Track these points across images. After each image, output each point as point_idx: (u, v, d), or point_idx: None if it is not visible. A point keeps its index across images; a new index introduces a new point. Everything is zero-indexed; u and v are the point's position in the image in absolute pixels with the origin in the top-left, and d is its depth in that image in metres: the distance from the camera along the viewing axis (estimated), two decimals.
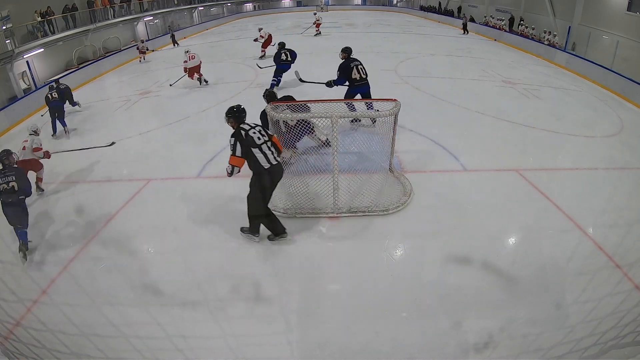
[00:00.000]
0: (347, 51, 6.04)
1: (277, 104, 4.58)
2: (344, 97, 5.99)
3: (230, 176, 3.62)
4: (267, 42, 12.58)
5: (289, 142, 4.79)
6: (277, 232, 3.94)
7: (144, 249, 4.16)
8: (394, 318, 3.14)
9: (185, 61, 9.46)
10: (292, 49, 9.06)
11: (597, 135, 6.62)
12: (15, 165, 4.37)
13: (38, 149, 5.32)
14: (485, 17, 20.35)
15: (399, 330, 3.04)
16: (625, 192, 4.87)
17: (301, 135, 4.74)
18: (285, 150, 5.00)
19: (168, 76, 11.24)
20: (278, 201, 4.57)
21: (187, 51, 9.72)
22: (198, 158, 5.85)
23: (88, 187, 5.41)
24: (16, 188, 3.99)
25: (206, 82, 9.87)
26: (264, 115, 4.70)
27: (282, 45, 9.13)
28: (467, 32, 17.95)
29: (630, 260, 3.62)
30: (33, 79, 13.24)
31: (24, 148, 5.28)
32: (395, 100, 4.49)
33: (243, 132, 3.53)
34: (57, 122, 7.56)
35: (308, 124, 4.62)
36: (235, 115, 3.66)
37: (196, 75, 9.70)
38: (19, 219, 4.02)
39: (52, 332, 2.97)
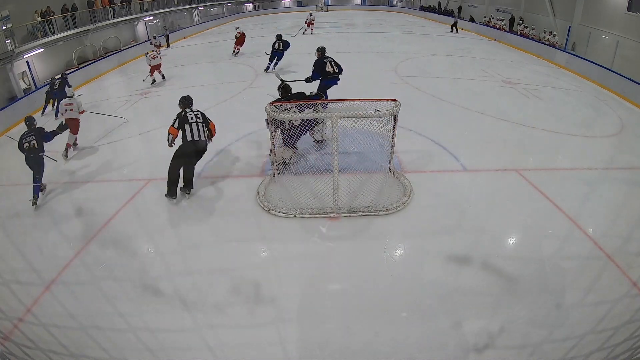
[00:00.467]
0: (321, 50, 6.66)
1: (276, 104, 4.59)
2: (317, 89, 6.48)
3: (168, 143, 4.66)
4: (240, 40, 13.63)
5: (291, 140, 4.82)
6: (170, 193, 4.74)
7: (144, 249, 4.16)
8: (394, 318, 3.14)
9: (151, 59, 10.52)
10: (288, 41, 10.78)
11: (597, 135, 6.62)
12: (38, 126, 5.38)
13: (83, 111, 6.80)
14: (485, 17, 20.35)
15: (399, 330, 3.04)
16: (625, 192, 4.87)
17: (302, 133, 4.78)
18: (286, 150, 5.01)
19: (168, 76, 11.24)
20: (278, 201, 4.57)
21: (147, 53, 10.86)
22: None
23: (88, 187, 5.41)
24: (36, 146, 5.10)
25: (163, 78, 10.94)
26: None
27: (278, 36, 10.79)
28: (457, 30, 18.24)
29: (629, 260, 3.62)
30: (33, 79, 13.22)
31: (71, 110, 6.57)
32: (395, 100, 4.49)
33: (183, 113, 4.79)
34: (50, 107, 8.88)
35: (311, 122, 4.69)
36: (184, 102, 4.96)
37: (157, 73, 10.74)
38: (37, 169, 5.13)
39: (50, 334, 2.97)
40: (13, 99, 10.85)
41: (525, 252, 3.89)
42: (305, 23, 18.09)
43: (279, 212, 4.40)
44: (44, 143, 5.22)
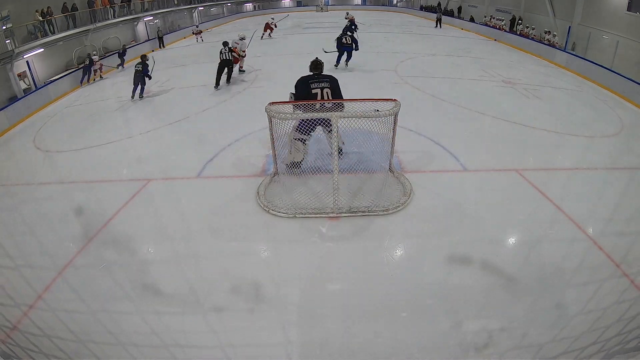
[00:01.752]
0: (343, 29, 10.84)
1: (275, 103, 4.59)
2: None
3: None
4: (267, 27, 17.45)
5: (305, 130, 4.58)
6: (215, 85, 9.43)
7: (144, 249, 4.16)
8: (394, 318, 3.14)
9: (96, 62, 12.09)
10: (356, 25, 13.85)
11: (597, 135, 6.62)
12: (146, 62, 9.43)
13: (244, 51, 10.56)
14: (485, 16, 20.36)
15: (399, 330, 3.04)
16: (625, 192, 4.87)
17: (306, 128, 4.57)
18: (296, 150, 4.89)
19: (168, 76, 11.25)
20: (278, 201, 4.57)
21: (89, 54, 12.49)
22: (198, 158, 5.85)
23: (88, 187, 5.41)
24: (140, 69, 9.13)
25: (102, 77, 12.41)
26: (299, 84, 4.86)
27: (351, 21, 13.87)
28: (440, 25, 19.68)
29: (630, 260, 3.62)
30: (33, 79, 13.21)
31: (235, 49, 9.97)
32: (395, 100, 4.49)
33: (222, 49, 9.33)
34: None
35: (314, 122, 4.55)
36: (223, 43, 9.45)
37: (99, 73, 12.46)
38: (139, 82, 9.22)
39: (48, 337, 2.96)
40: (13, 99, 10.83)
41: (525, 252, 3.89)
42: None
43: (279, 212, 4.40)
44: (145, 73, 9.25)
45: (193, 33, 18.79)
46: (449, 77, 9.99)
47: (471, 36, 17.62)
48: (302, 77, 4.85)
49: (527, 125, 6.82)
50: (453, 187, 4.94)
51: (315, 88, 4.71)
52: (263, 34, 17.07)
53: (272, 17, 18.87)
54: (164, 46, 17.45)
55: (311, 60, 5.07)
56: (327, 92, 4.70)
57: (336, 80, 4.92)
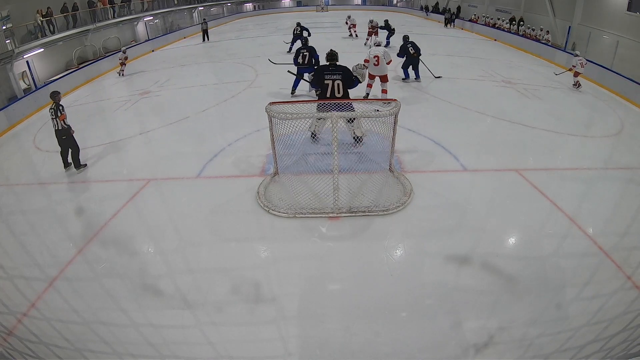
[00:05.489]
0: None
1: (275, 103, 4.59)
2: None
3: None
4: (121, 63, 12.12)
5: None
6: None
7: (144, 249, 4.16)
8: (394, 318, 3.14)
9: None
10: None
11: (597, 135, 6.62)
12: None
13: (390, 61, 7.66)
14: (484, 16, 20.37)
15: (399, 330, 3.04)
16: (625, 192, 4.87)
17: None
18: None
19: (168, 76, 11.25)
20: (278, 201, 4.57)
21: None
22: (198, 158, 5.85)
23: (88, 187, 5.41)
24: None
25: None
26: (316, 73, 5.41)
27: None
28: (453, 25, 20.05)
29: (630, 260, 3.62)
30: (33, 79, 13.21)
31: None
32: (395, 100, 4.49)
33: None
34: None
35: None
36: (51, 95, 5.67)
37: None
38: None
39: (47, 340, 2.96)
40: (13, 99, 10.83)
41: (525, 251, 3.90)
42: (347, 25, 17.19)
43: (279, 212, 4.40)
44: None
45: (119, 62, 12.14)
46: (449, 77, 9.98)
47: (471, 36, 17.62)
48: (320, 66, 5.33)
49: (527, 125, 6.82)
50: (453, 187, 4.94)
51: (327, 79, 5.13)
52: (120, 70, 12.14)
53: (123, 49, 12.49)
54: (208, 39, 17.36)
55: (326, 52, 5.48)
56: (337, 84, 5.11)
57: (349, 72, 5.31)
